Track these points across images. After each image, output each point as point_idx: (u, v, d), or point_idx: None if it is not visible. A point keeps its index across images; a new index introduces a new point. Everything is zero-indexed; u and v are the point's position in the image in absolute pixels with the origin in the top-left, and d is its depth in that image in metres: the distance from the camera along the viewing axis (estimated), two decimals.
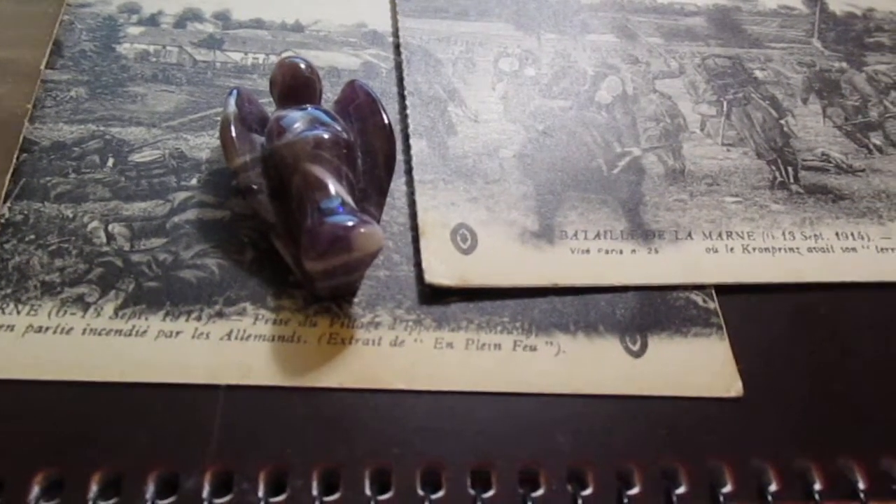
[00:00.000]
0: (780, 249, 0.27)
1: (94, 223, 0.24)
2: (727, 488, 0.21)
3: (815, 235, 0.28)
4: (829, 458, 0.22)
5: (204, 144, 0.27)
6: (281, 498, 0.20)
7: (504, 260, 0.25)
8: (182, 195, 0.25)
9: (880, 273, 0.27)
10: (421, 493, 0.20)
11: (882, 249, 0.28)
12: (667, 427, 0.22)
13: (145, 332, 0.22)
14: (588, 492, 0.21)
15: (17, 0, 0.30)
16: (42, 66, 0.28)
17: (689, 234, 0.27)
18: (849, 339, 0.25)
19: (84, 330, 0.22)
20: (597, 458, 0.22)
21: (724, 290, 0.26)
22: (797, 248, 0.27)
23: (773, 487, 0.21)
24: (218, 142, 0.27)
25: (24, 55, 0.28)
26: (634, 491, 0.21)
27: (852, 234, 0.28)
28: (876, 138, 0.32)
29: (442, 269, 0.24)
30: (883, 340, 0.25)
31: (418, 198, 0.26)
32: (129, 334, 0.22)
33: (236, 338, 0.22)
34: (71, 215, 0.24)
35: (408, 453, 0.21)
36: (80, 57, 0.29)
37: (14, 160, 0.25)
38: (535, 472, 0.21)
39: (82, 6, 0.30)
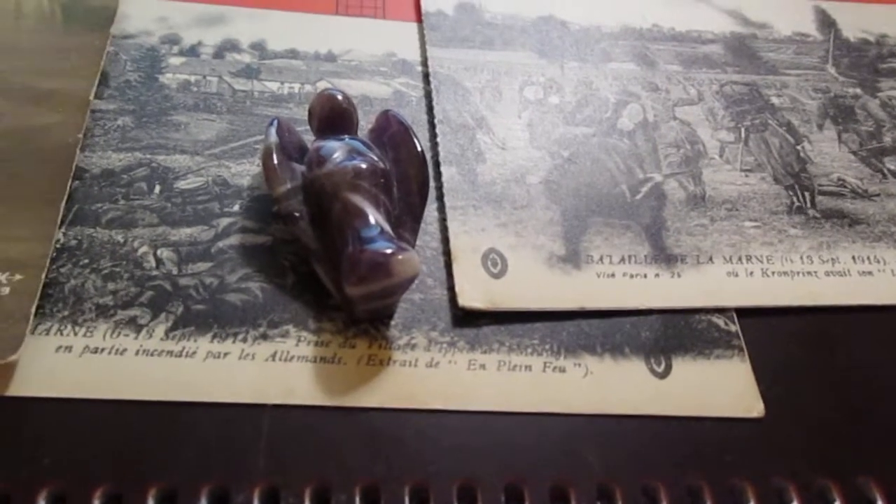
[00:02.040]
0: (798, 273, 0.28)
1: (144, 248, 0.25)
2: None
3: (833, 259, 0.29)
4: (849, 478, 0.23)
5: (245, 171, 0.28)
6: None
7: (533, 284, 0.26)
8: (225, 221, 0.26)
9: None
10: None
11: None
12: (691, 446, 0.23)
13: (195, 353, 0.23)
14: None
15: (66, 33, 0.31)
16: (91, 97, 0.29)
17: (710, 259, 0.28)
18: (866, 360, 0.26)
19: (137, 351, 0.23)
20: (624, 476, 0.22)
21: (744, 313, 0.27)
22: (815, 272, 0.28)
23: None
24: (258, 169, 0.28)
25: (73, 86, 0.29)
26: None
27: (868, 258, 0.29)
28: (891, 163, 0.33)
29: (473, 292, 0.26)
30: None
31: (450, 223, 0.27)
32: (180, 355, 0.23)
33: (280, 359, 0.23)
34: (122, 240, 0.25)
35: (444, 470, 0.22)
36: (125, 87, 0.30)
37: (68, 187, 0.26)
38: (566, 489, 0.22)
39: (126, 38, 0.32)
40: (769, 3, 0.39)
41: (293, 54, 0.33)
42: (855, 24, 0.39)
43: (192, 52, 0.32)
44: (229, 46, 0.33)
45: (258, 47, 0.33)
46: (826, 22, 0.39)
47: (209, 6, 0.34)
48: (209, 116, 0.30)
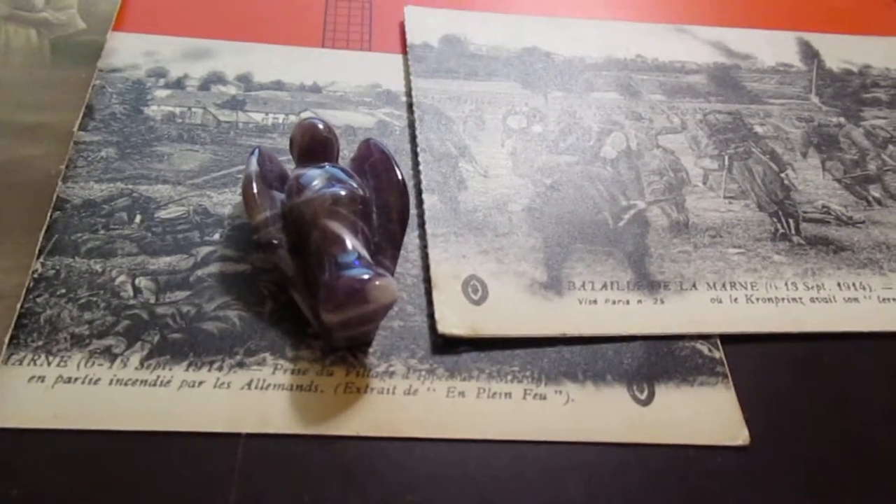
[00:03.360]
0: (783, 300, 0.28)
1: (122, 277, 0.25)
2: None
3: (818, 286, 0.28)
4: None
5: (226, 201, 0.28)
6: None
7: (514, 310, 0.26)
8: (205, 250, 0.26)
9: (882, 323, 0.27)
10: None
11: (883, 300, 0.28)
12: (675, 475, 0.23)
13: (169, 382, 0.23)
14: None
15: (54, 68, 0.32)
16: (75, 129, 0.29)
17: (694, 285, 0.28)
18: (852, 387, 0.26)
19: (111, 380, 0.23)
20: None
21: (729, 340, 0.26)
22: (800, 299, 0.28)
23: None
24: (239, 198, 0.28)
25: (58, 118, 0.29)
26: None
27: (854, 285, 0.29)
28: (875, 191, 0.33)
29: (454, 319, 0.25)
30: (885, 389, 0.26)
31: (431, 251, 0.27)
32: (154, 384, 0.23)
33: (256, 387, 0.23)
34: (100, 270, 0.25)
35: (422, 500, 0.21)
36: (110, 119, 0.30)
37: (47, 218, 0.26)
38: None
39: (113, 71, 0.32)
40: (752, 35, 0.40)
41: (279, 86, 0.33)
42: (838, 54, 0.40)
43: (178, 84, 0.32)
44: (215, 79, 0.33)
45: (244, 79, 0.33)
46: (809, 53, 0.40)
47: (197, 40, 0.34)
48: (193, 147, 0.30)
